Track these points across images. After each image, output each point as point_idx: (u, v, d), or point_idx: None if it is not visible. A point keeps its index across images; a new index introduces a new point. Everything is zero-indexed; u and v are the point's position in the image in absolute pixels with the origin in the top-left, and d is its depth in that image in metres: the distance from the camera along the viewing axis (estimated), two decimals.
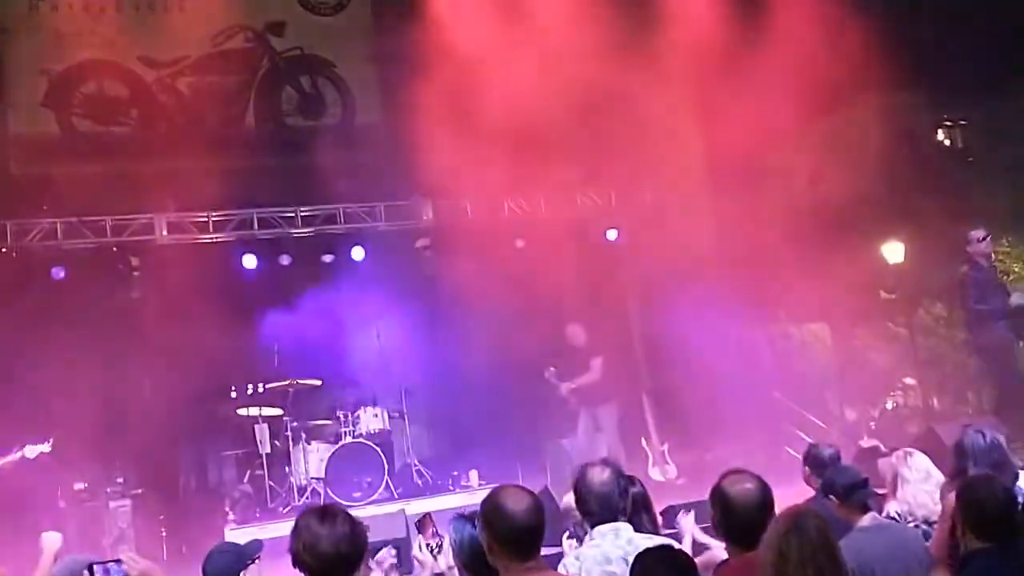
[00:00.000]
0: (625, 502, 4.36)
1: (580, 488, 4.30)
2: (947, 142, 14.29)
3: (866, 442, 9.01)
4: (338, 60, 13.66)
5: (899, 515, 5.30)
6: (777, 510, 3.92)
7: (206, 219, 11.76)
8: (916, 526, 5.15)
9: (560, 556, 4.71)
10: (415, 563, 6.10)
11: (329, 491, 10.72)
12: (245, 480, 11.39)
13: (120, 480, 10.72)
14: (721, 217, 12.57)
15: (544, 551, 3.77)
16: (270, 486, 10.99)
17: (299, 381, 11.45)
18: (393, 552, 5.57)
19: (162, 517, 10.85)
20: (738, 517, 3.91)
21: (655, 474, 11.31)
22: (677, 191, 12.43)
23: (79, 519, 10.19)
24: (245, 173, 12.00)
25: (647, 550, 3.66)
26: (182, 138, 12.01)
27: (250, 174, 12.13)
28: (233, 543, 4.91)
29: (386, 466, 10.98)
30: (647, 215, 12.73)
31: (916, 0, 11.73)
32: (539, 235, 12.40)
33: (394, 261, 12.22)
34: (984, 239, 9.83)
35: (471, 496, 10.38)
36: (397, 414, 11.77)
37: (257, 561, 4.60)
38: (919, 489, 5.31)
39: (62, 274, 11.15)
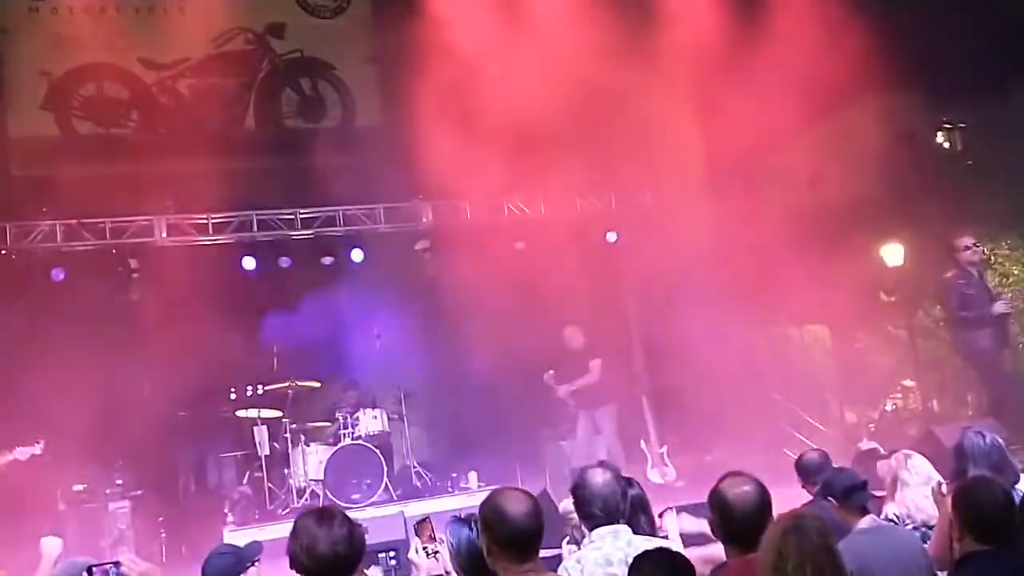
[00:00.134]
0: (625, 504, 4.36)
1: (581, 491, 4.29)
2: (946, 144, 14.29)
3: (865, 444, 9.01)
4: (338, 62, 13.66)
5: (897, 517, 5.29)
6: (776, 512, 3.92)
7: (206, 221, 11.76)
8: (915, 528, 5.15)
9: (559, 559, 4.71)
10: (411, 566, 6.10)
11: (328, 493, 10.72)
12: (244, 482, 11.40)
13: (119, 482, 10.71)
14: (721, 219, 12.55)
15: (542, 553, 3.78)
16: (269, 488, 10.99)
17: (298, 383, 11.47)
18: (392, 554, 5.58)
19: (161, 519, 10.85)
20: (736, 519, 3.92)
21: (654, 476, 11.31)
22: (677, 193, 12.43)
23: (78, 520, 10.19)
24: (245, 175, 11.99)
25: (644, 553, 3.67)
26: (182, 140, 12.00)
27: (250, 176, 12.12)
28: (232, 545, 4.91)
29: (385, 468, 10.97)
30: (647, 217, 12.73)
31: (916, 1, 11.72)
32: (539, 237, 12.40)
33: (394, 263, 12.21)
34: (970, 247, 9.87)
35: (470, 498, 10.37)
36: (396, 416, 11.77)
37: (257, 564, 4.59)
38: (919, 493, 5.30)
39: (62, 276, 11.15)
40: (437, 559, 4.70)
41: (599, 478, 4.28)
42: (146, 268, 11.47)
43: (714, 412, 11.42)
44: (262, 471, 11.06)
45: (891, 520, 5.27)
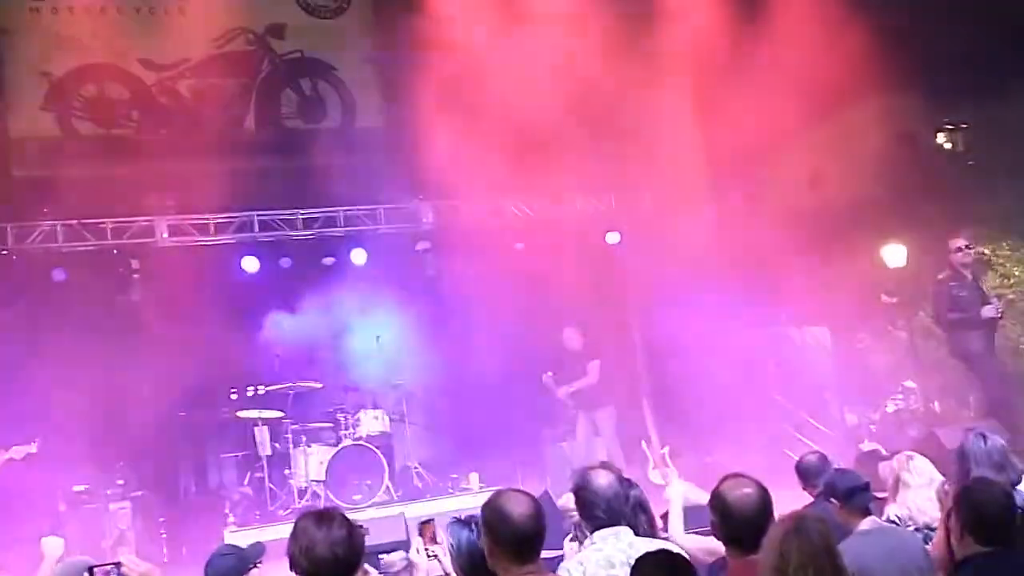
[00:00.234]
0: (628, 506, 4.36)
1: (584, 492, 4.27)
2: (948, 145, 14.25)
3: (867, 445, 9.02)
4: (338, 63, 13.65)
5: (899, 519, 5.29)
6: (777, 513, 3.92)
7: (207, 221, 11.75)
8: (917, 530, 5.15)
9: (559, 559, 4.71)
10: (412, 565, 6.10)
11: (329, 493, 10.73)
12: (245, 482, 11.40)
13: (120, 482, 10.71)
14: (721, 220, 12.56)
15: (544, 554, 3.78)
16: (270, 488, 11.00)
17: (299, 383, 11.47)
18: (404, 555, 5.58)
19: (162, 519, 10.84)
20: (737, 521, 3.92)
21: (655, 477, 11.25)
22: (678, 194, 12.42)
23: (79, 521, 10.18)
24: (246, 176, 11.99)
25: (645, 555, 3.66)
26: (183, 141, 12.00)
27: (251, 177, 12.12)
28: (235, 546, 4.89)
29: (386, 469, 10.98)
30: (647, 218, 12.73)
31: (917, 2, 11.71)
32: (539, 238, 12.41)
33: (394, 264, 12.21)
34: (962, 248, 9.88)
35: (471, 499, 10.38)
36: (397, 417, 11.78)
37: (259, 566, 4.57)
38: (921, 494, 5.30)
39: (63, 276, 11.15)
40: (439, 561, 4.69)
41: (603, 480, 4.26)
42: (147, 268, 11.48)
43: (715, 413, 11.41)
44: (263, 472, 11.06)
45: (893, 522, 5.26)
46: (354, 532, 3.40)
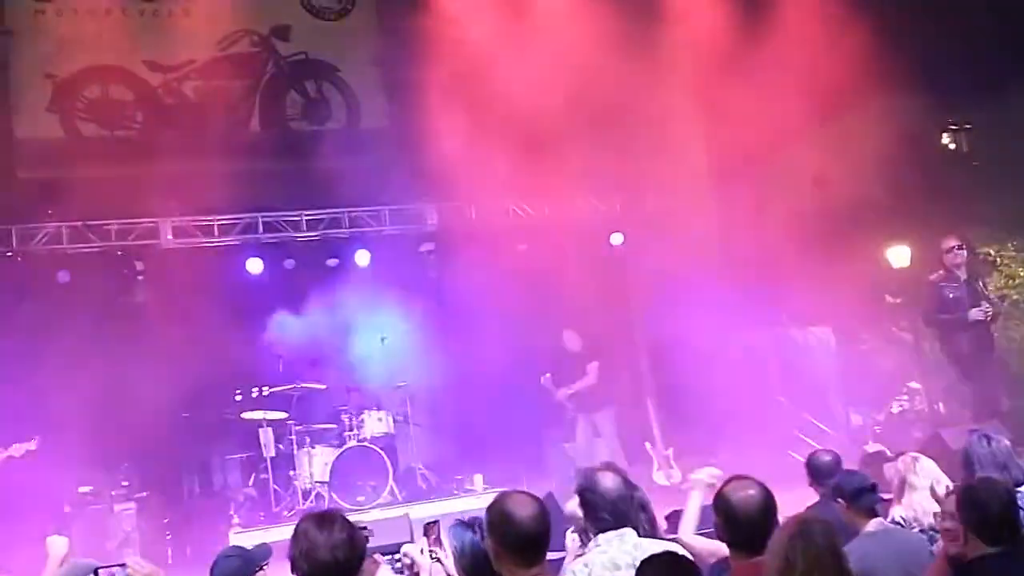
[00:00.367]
0: (633, 508, 4.34)
1: (589, 495, 4.25)
2: (952, 146, 14.23)
3: (871, 447, 9.00)
4: (342, 64, 13.66)
5: (904, 520, 5.28)
6: (781, 515, 3.92)
7: (211, 223, 11.77)
8: (922, 532, 5.14)
9: (563, 561, 4.70)
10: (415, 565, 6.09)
11: (334, 495, 10.72)
12: (250, 483, 11.40)
13: (125, 483, 10.72)
14: (726, 221, 12.55)
15: (549, 556, 3.78)
16: (275, 490, 11.01)
17: (304, 385, 11.48)
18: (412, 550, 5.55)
19: (167, 520, 10.85)
20: (741, 523, 3.91)
21: (659, 478, 11.30)
22: (682, 195, 12.42)
23: (84, 522, 10.18)
24: (250, 177, 12.00)
25: (651, 557, 3.65)
26: (187, 142, 12.01)
27: (255, 178, 12.13)
28: (240, 547, 4.86)
29: (390, 470, 10.99)
30: (652, 219, 12.72)
31: (922, 2, 11.70)
32: (544, 239, 12.41)
33: (399, 265, 12.22)
34: (952, 249, 9.87)
35: (476, 500, 10.39)
36: (401, 418, 11.78)
37: (265, 568, 4.55)
38: (926, 495, 5.29)
39: (67, 278, 11.17)
40: (441, 564, 4.68)
41: (609, 482, 4.24)
42: (151, 270, 11.50)
43: (719, 414, 11.40)
44: (268, 473, 11.07)
45: (897, 523, 5.26)
46: (355, 535, 3.41)
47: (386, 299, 11.82)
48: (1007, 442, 5.51)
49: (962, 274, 9.95)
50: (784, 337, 13.11)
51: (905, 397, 12.17)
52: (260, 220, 11.95)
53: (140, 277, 11.55)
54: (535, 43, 11.23)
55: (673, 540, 4.66)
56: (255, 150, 12.86)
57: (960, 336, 9.87)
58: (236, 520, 10.74)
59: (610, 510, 4.18)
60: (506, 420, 11.74)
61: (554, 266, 11.62)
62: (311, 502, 10.79)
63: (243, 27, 13.10)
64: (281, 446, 11.22)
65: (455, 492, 11.36)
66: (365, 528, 3.56)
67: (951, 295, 9.85)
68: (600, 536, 4.16)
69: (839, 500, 5.03)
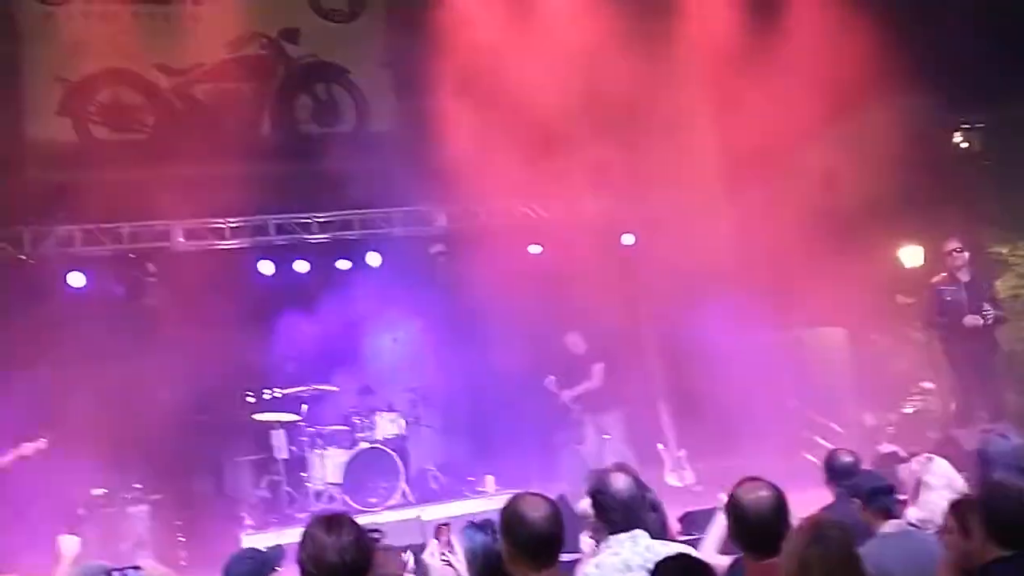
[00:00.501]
0: (645, 510, 4.33)
1: (602, 496, 4.24)
2: (965, 145, 14.17)
3: (885, 448, 8.96)
4: (352, 67, 13.65)
5: (919, 521, 5.26)
6: (794, 517, 3.90)
7: (223, 226, 11.79)
8: (937, 532, 5.11)
9: (578, 562, 4.69)
10: (426, 568, 6.10)
11: (346, 497, 10.74)
12: (262, 485, 11.41)
13: (138, 486, 10.74)
14: (737, 221, 12.51)
15: (561, 557, 3.76)
16: (287, 491, 11.02)
17: (315, 387, 11.49)
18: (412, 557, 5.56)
19: (180, 523, 10.86)
20: (753, 525, 3.89)
21: (672, 480, 11.28)
22: (693, 195, 12.39)
23: (97, 524, 10.21)
24: (261, 180, 12.00)
25: (666, 559, 3.64)
26: (198, 145, 11.99)
27: (266, 181, 12.12)
28: (254, 549, 4.84)
29: (402, 471, 10.99)
30: (663, 219, 12.69)
31: (934, 1, 11.66)
32: (554, 240, 12.40)
33: (410, 267, 12.22)
34: (952, 252, 9.83)
35: (488, 502, 10.38)
36: (413, 419, 11.79)
37: (279, 570, 4.53)
38: (941, 496, 5.27)
39: (79, 280, 11.21)
40: (452, 567, 4.68)
41: (621, 483, 4.23)
42: (163, 272, 11.52)
43: (732, 415, 11.37)
44: (280, 475, 11.09)
45: (912, 524, 5.23)
46: (363, 537, 3.39)
47: (397, 301, 11.82)
48: (1022, 441, 5.48)
49: (963, 277, 9.91)
50: (796, 338, 13.07)
51: (919, 398, 12.11)
52: (271, 222, 11.97)
53: (152, 279, 11.58)
54: (546, 43, 11.21)
55: (685, 543, 4.65)
56: (266, 152, 12.86)
57: (958, 339, 9.84)
58: (248, 522, 10.76)
59: (621, 512, 4.16)
60: (518, 421, 11.74)
61: (565, 267, 11.60)
62: (323, 504, 10.80)
63: (253, 30, 13.10)
64: (293, 448, 11.24)
65: (467, 494, 11.35)
66: (377, 530, 3.55)
67: (949, 298, 9.85)
68: (612, 538, 4.15)
69: (855, 500, 5.01)
